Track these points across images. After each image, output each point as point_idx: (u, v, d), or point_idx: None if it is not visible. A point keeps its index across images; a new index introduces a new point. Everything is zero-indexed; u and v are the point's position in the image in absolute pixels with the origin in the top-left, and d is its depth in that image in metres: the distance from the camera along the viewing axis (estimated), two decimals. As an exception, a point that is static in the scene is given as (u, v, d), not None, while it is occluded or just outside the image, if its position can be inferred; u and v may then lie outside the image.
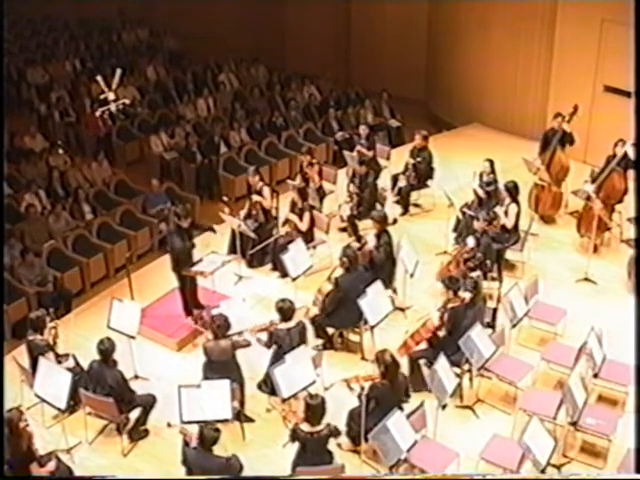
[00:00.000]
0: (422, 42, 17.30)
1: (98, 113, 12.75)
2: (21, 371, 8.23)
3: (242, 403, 7.98)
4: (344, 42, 19.25)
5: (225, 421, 7.30)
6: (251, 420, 8.12)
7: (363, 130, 13.10)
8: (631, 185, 10.86)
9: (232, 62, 18.83)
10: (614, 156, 10.74)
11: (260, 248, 10.54)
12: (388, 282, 9.45)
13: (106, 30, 21.22)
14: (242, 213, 10.82)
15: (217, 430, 6.71)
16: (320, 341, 9.06)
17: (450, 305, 8.34)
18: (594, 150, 12.57)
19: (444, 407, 7.56)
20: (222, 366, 7.80)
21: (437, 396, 7.50)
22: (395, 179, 12.10)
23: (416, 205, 12.24)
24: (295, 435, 6.96)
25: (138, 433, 7.99)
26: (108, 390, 7.70)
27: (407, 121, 16.12)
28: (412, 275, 9.59)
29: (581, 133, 12.02)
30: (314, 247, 10.65)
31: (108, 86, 11.77)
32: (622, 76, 12.30)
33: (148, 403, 8.00)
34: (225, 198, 10.83)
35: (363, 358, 8.96)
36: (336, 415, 7.44)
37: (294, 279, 9.49)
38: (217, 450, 6.75)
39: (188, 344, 9.30)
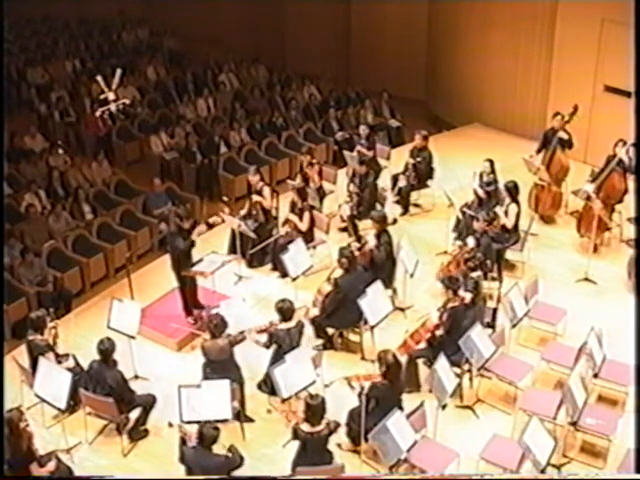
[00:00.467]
0: (422, 42, 17.28)
1: (98, 113, 12.71)
2: (21, 371, 8.22)
3: (242, 403, 7.97)
4: (344, 42, 19.21)
5: (225, 421, 7.30)
6: (251, 420, 8.12)
7: (363, 130, 13.10)
8: (631, 185, 10.86)
9: (232, 62, 18.80)
10: (614, 156, 10.74)
11: (260, 248, 10.53)
12: (388, 282, 9.45)
13: (106, 30, 21.23)
14: (242, 213, 10.82)
15: (216, 429, 6.71)
16: (320, 341, 9.06)
17: (450, 305, 8.35)
18: (594, 150, 12.55)
19: (444, 407, 7.57)
20: (221, 365, 7.80)
21: (437, 396, 7.50)
22: (395, 179, 12.09)
23: (416, 205, 12.23)
24: (295, 435, 6.97)
25: (138, 433, 7.99)
26: (108, 390, 7.70)
27: (407, 121, 16.11)
28: (412, 275, 9.61)
29: (581, 133, 12.03)
30: (314, 247, 10.65)
31: (108, 86, 11.75)
32: (622, 76, 12.29)
33: (148, 403, 8.00)
34: (225, 198, 10.84)
35: (363, 358, 8.96)
36: (336, 414, 7.44)
37: (294, 279, 9.50)
38: (216, 449, 6.74)
39: (188, 344, 9.30)
